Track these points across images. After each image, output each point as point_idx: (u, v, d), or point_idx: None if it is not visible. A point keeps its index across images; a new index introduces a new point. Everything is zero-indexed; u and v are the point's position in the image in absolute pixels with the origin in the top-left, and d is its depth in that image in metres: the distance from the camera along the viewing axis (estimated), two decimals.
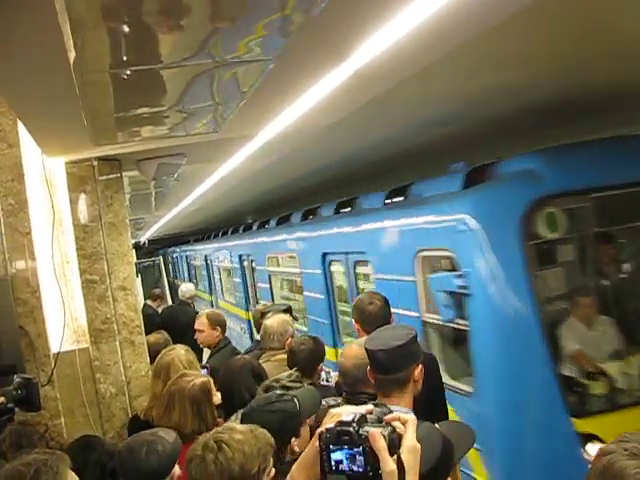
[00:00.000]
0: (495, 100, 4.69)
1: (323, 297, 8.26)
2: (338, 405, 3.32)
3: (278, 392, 3.18)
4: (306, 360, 4.45)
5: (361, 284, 7.45)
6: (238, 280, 14.20)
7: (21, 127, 4.14)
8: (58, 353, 4.71)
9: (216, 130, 4.22)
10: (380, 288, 5.68)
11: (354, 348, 3.50)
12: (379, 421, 1.61)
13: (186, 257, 24.99)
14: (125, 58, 2.59)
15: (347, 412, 1.61)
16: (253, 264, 12.67)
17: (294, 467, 1.68)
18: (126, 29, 2.22)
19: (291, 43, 2.57)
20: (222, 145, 4.99)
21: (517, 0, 2.57)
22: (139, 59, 2.61)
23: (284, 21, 2.33)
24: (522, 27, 3.01)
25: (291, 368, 4.41)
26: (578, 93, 4.58)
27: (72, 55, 2.35)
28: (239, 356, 4.88)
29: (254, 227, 13.83)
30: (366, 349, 3.07)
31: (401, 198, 6.63)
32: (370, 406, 1.68)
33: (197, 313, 10.46)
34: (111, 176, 5.05)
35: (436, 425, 2.46)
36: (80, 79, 2.68)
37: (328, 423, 1.59)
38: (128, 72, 2.73)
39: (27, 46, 2.35)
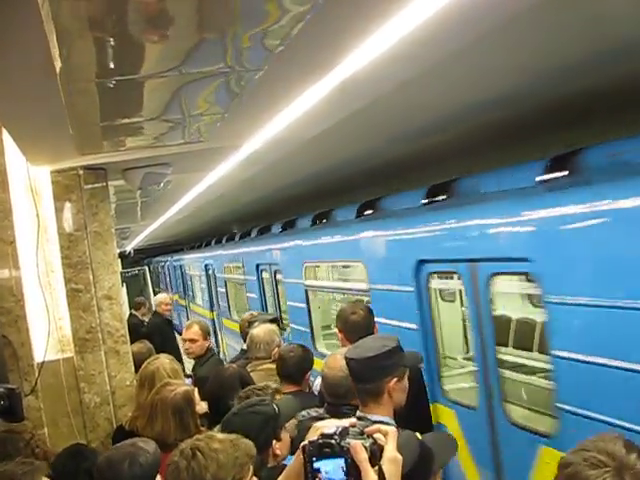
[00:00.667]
0: (481, 110, 4.72)
1: (415, 327, 5.48)
2: (320, 416, 3.35)
3: (258, 398, 3.24)
4: (295, 367, 4.46)
5: (505, 310, 5.58)
6: (253, 295, 11.10)
7: (6, 135, 4.13)
8: (42, 363, 4.68)
9: (202, 140, 4.23)
10: (566, 318, 3.90)
11: (338, 359, 3.50)
12: (361, 434, 1.63)
13: (180, 267, 21.74)
14: (111, 68, 2.60)
15: (330, 425, 1.62)
16: (278, 276, 9.70)
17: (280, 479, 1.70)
18: (112, 39, 2.23)
19: (277, 54, 2.59)
20: (208, 155, 4.99)
21: (503, 11, 2.61)
22: (125, 69, 2.61)
23: (270, 32, 2.35)
24: (507, 38, 3.05)
25: (280, 375, 4.45)
26: (570, 100, 4.63)
27: (58, 64, 2.36)
28: (227, 365, 4.89)
29: (275, 229, 10.96)
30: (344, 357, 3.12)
31: (564, 172, 4.32)
32: (353, 419, 1.70)
33: (168, 324, 10.52)
34: (97, 185, 5.03)
35: (417, 435, 2.47)
36: (66, 88, 2.69)
37: (312, 436, 1.60)
38: (114, 82, 2.73)
39: (13, 54, 2.35)
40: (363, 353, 3.03)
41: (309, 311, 8.31)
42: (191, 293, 20.22)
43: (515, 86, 4.12)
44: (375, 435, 1.62)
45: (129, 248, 23.98)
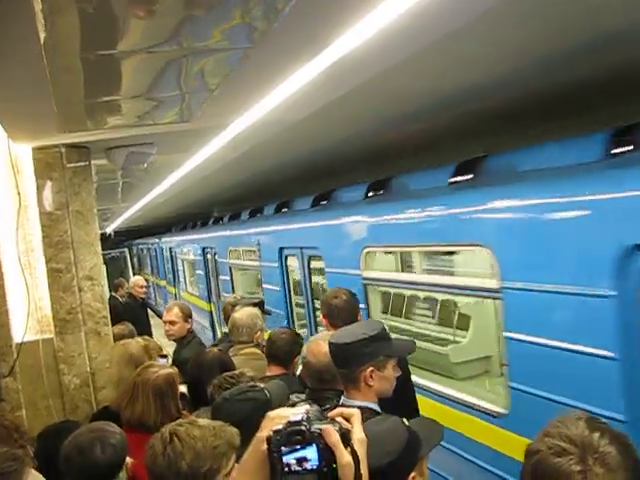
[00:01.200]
0: (470, 98, 4.70)
1: (609, 355, 3.48)
2: (303, 401, 3.34)
3: (249, 384, 3.22)
4: (284, 349, 4.44)
5: None
6: (273, 287, 8.83)
7: None
8: (21, 343, 4.61)
9: (187, 120, 4.18)
10: None
11: (321, 344, 3.48)
12: (318, 419, 1.62)
13: (169, 249, 19.11)
14: (96, 42, 2.54)
15: (290, 413, 1.60)
16: (316, 263, 7.52)
17: (236, 473, 1.66)
18: (97, 12, 2.17)
19: (268, 33, 2.54)
20: (193, 136, 4.92)
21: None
22: (110, 44, 2.55)
23: (262, 9, 2.31)
24: (491, 26, 3.02)
25: (268, 356, 4.43)
26: (547, 93, 4.62)
27: (43, 37, 2.30)
28: (209, 349, 4.86)
29: (301, 204, 8.68)
30: None
31: None
32: (307, 406, 1.69)
33: (142, 306, 10.53)
34: (79, 164, 4.95)
35: (404, 420, 2.46)
36: (51, 62, 2.62)
37: (269, 426, 1.57)
38: (99, 56, 2.68)
39: None
40: (341, 339, 3.04)
41: (369, 313, 6.24)
42: (183, 280, 17.74)
43: (504, 75, 4.11)
44: (338, 419, 1.61)
45: (109, 230, 23.77)
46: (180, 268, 17.82)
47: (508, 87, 4.46)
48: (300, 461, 1.52)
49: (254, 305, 5.77)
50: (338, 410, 1.65)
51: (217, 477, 2.32)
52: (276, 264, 8.57)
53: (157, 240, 22.05)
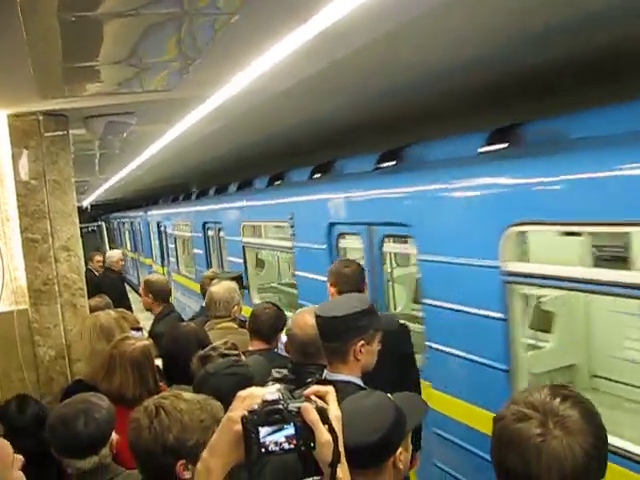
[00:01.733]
0: (461, 72, 4.63)
1: None
2: (282, 377, 3.32)
3: (232, 358, 3.18)
4: (267, 324, 4.41)
5: None
6: (317, 277, 6.30)
7: None
8: None
9: (169, 89, 4.09)
10: None
11: (307, 318, 3.46)
12: (289, 399, 1.60)
13: (157, 224, 16.79)
14: (76, 2, 2.45)
15: (263, 392, 1.57)
16: (396, 247, 6.07)
17: (206, 455, 1.62)
18: None
19: None
20: (176, 105, 4.84)
21: None
22: (88, 4, 2.46)
23: None
24: None
25: (251, 331, 4.39)
26: (537, 68, 4.59)
27: None
28: (185, 323, 4.83)
29: (347, 166, 7.13)
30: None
31: None
32: (278, 385, 1.67)
33: (121, 280, 10.62)
34: (57, 132, 4.84)
35: (389, 396, 2.44)
36: (28, 22, 2.53)
37: (241, 406, 1.54)
38: (78, 17, 2.59)
39: None
40: (331, 312, 2.99)
41: (510, 328, 4.03)
42: (174, 259, 15.21)
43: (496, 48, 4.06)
44: (312, 397, 1.59)
45: (86, 203, 23.52)
46: (171, 245, 15.30)
47: (500, 60, 4.41)
48: (278, 441, 1.50)
49: (232, 279, 5.72)
50: (313, 388, 1.64)
51: (202, 451, 2.30)
52: (323, 245, 6.39)
53: (142, 213, 19.70)
